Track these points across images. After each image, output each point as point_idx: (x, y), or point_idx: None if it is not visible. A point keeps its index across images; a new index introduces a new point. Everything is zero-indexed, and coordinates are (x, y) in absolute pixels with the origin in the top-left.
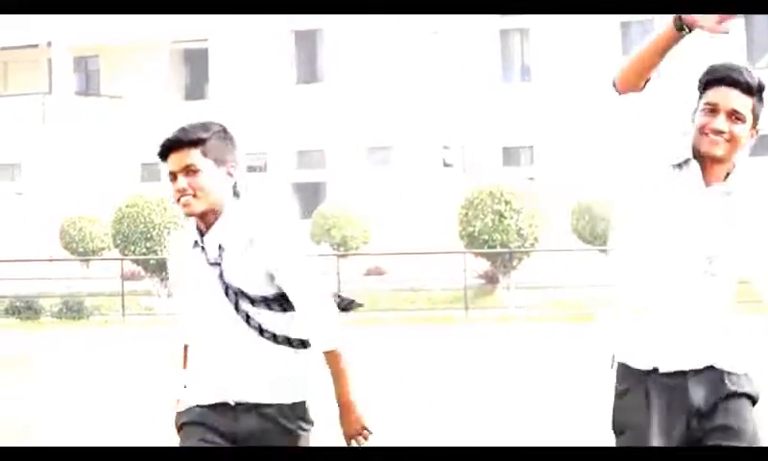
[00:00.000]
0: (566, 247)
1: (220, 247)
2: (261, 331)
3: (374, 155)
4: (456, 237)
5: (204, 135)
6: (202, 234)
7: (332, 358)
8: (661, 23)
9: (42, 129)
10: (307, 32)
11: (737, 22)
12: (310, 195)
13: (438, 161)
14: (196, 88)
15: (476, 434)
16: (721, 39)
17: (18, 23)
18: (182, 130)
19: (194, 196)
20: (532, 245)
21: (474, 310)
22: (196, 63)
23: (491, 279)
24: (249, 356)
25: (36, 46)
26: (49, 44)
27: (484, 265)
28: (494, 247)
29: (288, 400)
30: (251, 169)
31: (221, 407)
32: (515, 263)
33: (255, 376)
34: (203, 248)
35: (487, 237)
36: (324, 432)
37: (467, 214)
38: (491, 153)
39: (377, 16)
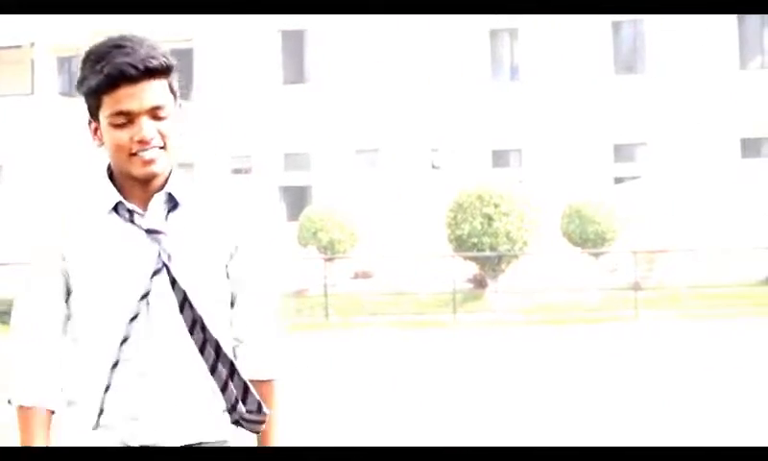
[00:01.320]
0: (556, 250)
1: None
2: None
3: (362, 157)
4: (444, 240)
5: (172, 62)
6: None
7: (268, 390)
8: (652, 24)
9: (25, 130)
10: (294, 32)
11: (729, 22)
12: (297, 198)
13: (426, 164)
14: (180, 90)
15: (465, 437)
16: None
17: (1, 24)
18: (145, 50)
19: (163, 148)
20: (521, 248)
21: (463, 314)
22: (180, 64)
23: (479, 283)
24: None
25: (19, 47)
26: (32, 45)
27: (473, 269)
28: (483, 250)
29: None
30: (236, 171)
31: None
32: (503, 267)
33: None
34: (130, 212)
35: (476, 240)
36: (325, 432)
37: (455, 217)
38: (479, 155)
39: (365, 17)
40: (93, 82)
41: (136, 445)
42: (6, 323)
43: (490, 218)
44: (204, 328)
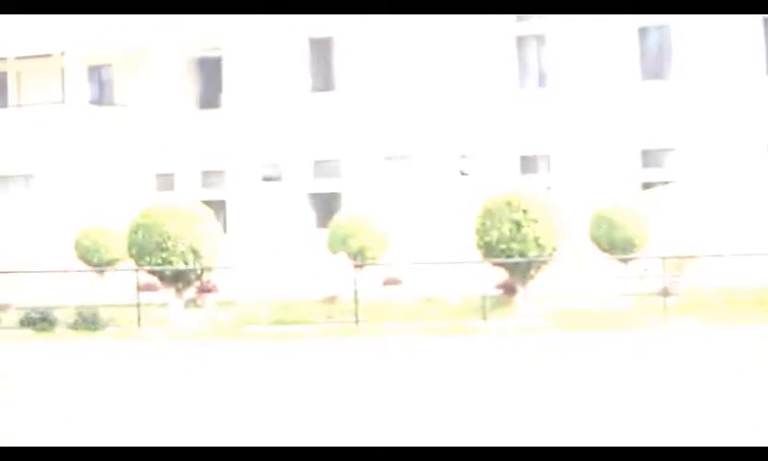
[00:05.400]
0: (584, 256)
1: None
2: None
3: (391, 164)
4: (473, 247)
5: None
6: None
7: None
8: (678, 29)
9: (56, 139)
10: (322, 39)
11: (756, 27)
12: (327, 205)
13: (455, 170)
14: (210, 97)
15: (494, 441)
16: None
17: (31, 32)
18: None
19: None
20: (550, 254)
21: (493, 320)
22: (210, 72)
23: (509, 289)
24: None
25: (49, 56)
26: (62, 54)
27: (502, 275)
28: (512, 256)
29: None
30: (266, 179)
31: None
32: (532, 273)
33: None
34: None
35: (504, 247)
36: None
37: (484, 223)
38: (508, 161)
39: (393, 24)
40: None
41: None
42: (44, 329)
43: (518, 224)
44: None
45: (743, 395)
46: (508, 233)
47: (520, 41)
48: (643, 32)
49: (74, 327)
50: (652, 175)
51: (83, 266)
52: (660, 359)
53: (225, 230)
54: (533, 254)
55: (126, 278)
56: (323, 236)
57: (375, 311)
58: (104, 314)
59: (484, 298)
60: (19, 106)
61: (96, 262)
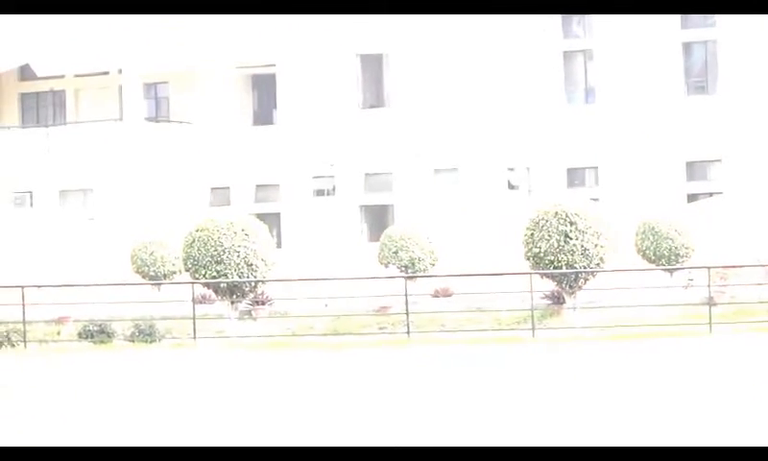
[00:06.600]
0: (631, 267)
1: None
2: None
3: (441, 176)
4: (522, 258)
5: None
6: None
7: None
8: (722, 44)
9: (113, 154)
10: (373, 56)
11: None
12: (378, 217)
13: (503, 183)
14: (264, 113)
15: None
16: None
17: (89, 50)
18: None
19: None
20: (597, 265)
21: (541, 330)
22: (264, 88)
23: (557, 300)
24: None
25: (106, 73)
26: (120, 71)
27: (550, 286)
28: (560, 267)
29: None
30: (319, 193)
31: None
32: (580, 283)
33: None
34: None
35: (552, 258)
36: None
37: (532, 235)
38: (555, 174)
39: (442, 39)
40: None
41: None
42: (101, 342)
43: (566, 235)
44: None
45: None
46: (556, 245)
47: (567, 56)
48: (687, 47)
49: (131, 339)
50: (697, 187)
51: (139, 279)
52: (705, 368)
53: (278, 244)
54: (580, 264)
55: (182, 290)
56: (374, 249)
57: (426, 322)
58: (160, 326)
59: (532, 308)
60: (78, 122)
61: (153, 275)
